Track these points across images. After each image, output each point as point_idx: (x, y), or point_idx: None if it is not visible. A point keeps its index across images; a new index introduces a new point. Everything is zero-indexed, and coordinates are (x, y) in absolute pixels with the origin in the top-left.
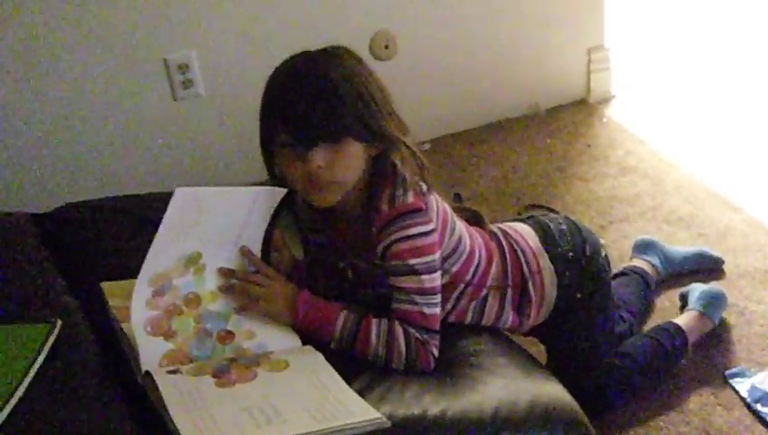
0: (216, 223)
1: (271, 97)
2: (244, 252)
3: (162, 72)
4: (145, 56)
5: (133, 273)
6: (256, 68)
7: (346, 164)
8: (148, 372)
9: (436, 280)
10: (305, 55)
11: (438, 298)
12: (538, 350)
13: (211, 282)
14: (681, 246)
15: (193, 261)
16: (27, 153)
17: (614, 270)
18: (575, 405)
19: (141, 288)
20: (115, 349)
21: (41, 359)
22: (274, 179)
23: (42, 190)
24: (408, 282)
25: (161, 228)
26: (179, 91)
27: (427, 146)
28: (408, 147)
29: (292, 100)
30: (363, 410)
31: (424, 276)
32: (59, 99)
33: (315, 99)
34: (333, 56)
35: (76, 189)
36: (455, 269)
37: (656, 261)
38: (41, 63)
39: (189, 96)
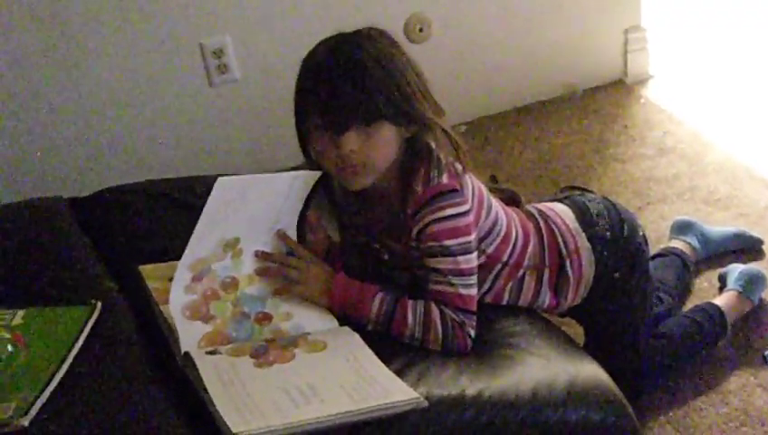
0: (254, 209)
1: (304, 80)
2: (281, 235)
3: (198, 57)
4: (180, 41)
5: (170, 255)
6: (291, 52)
7: (379, 147)
8: (187, 353)
9: (472, 261)
10: (339, 38)
11: (475, 279)
12: (575, 332)
13: (248, 266)
14: (720, 226)
15: (231, 245)
16: (66, 139)
17: (652, 251)
18: (613, 386)
19: (182, 274)
20: (154, 330)
21: (81, 340)
22: (310, 162)
23: (80, 175)
24: (443, 263)
25: (202, 217)
26: (215, 76)
27: (462, 128)
28: (442, 129)
29: (325, 84)
30: (401, 391)
31: (460, 257)
32: (96, 85)
33: (347, 82)
34: (367, 38)
35: (114, 174)
36: (491, 250)
37: (694, 242)
38: (78, 51)
39: (224, 81)
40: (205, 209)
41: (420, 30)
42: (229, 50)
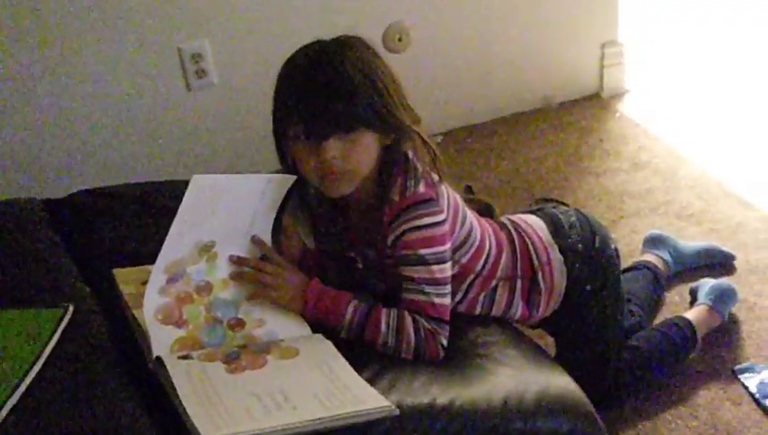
0: (229, 210)
1: (284, 88)
2: (256, 241)
3: (176, 61)
4: (158, 46)
5: (144, 260)
6: (270, 57)
7: (360, 154)
8: (159, 358)
9: (446, 270)
10: (318, 45)
11: (448, 289)
12: (546, 343)
13: (223, 270)
14: (692, 241)
15: (206, 249)
16: (41, 141)
17: (625, 264)
18: (583, 397)
19: (157, 276)
20: (126, 334)
21: (52, 343)
22: (287, 169)
23: (55, 178)
24: (418, 272)
25: (178, 216)
26: (193, 80)
27: (439, 139)
28: (420, 136)
29: (306, 92)
30: (372, 398)
31: (434, 266)
32: (74, 88)
33: (329, 90)
34: (346, 46)
35: (89, 178)
36: (465, 260)
37: (666, 256)
38: (57, 54)
39: (203, 86)
40: (180, 208)
41: (399, 39)
42: (207, 54)
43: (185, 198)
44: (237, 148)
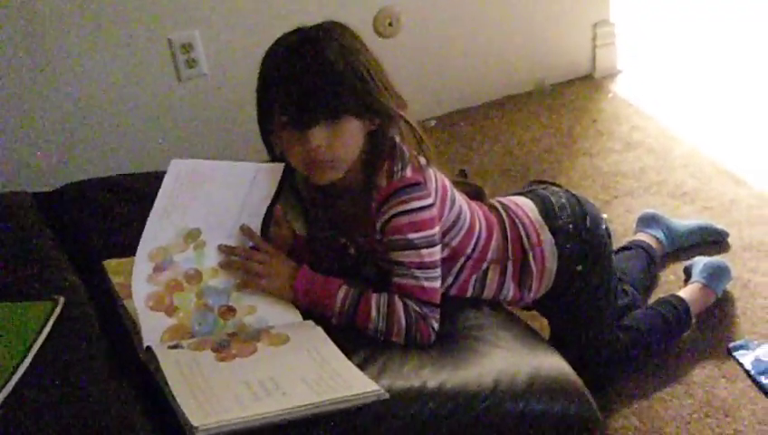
0: (215, 198)
1: (267, 78)
2: (245, 230)
3: (166, 52)
4: (148, 37)
5: (135, 251)
6: (260, 46)
7: (345, 141)
8: (149, 348)
9: (435, 254)
10: (300, 33)
11: (438, 272)
12: (540, 324)
13: (212, 258)
14: (686, 219)
15: (193, 237)
16: (32, 133)
17: (619, 244)
18: (576, 377)
19: (141, 263)
20: (117, 326)
21: (43, 336)
22: (274, 158)
23: (45, 170)
24: (407, 256)
25: (157, 201)
26: (184, 70)
27: (432, 123)
28: (406, 121)
29: (289, 80)
30: (362, 383)
31: (423, 250)
32: (64, 80)
33: (312, 78)
34: (329, 32)
35: (80, 169)
36: (455, 243)
37: (660, 235)
38: (45, 45)
39: (193, 76)
40: (160, 192)
41: (390, 24)
42: (198, 45)
43: (164, 183)
44: (229, 137)
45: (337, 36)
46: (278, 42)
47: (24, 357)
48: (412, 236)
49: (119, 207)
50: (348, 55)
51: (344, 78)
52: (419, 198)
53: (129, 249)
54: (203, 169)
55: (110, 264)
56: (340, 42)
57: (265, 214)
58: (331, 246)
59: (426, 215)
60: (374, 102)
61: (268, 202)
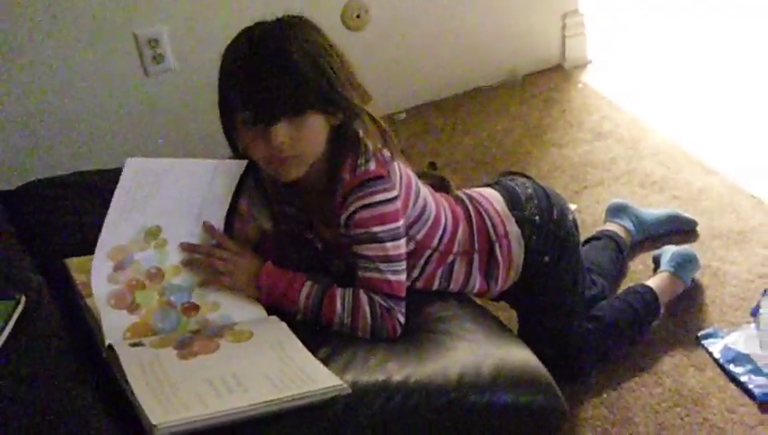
0: (174, 196)
1: (228, 73)
2: (207, 227)
3: (133, 47)
4: (114, 32)
5: None
6: (228, 40)
7: (309, 137)
8: (111, 346)
9: (400, 247)
10: (259, 28)
11: (403, 265)
12: (511, 315)
13: (173, 257)
14: (655, 208)
15: (153, 235)
16: None
17: (589, 234)
18: (542, 368)
19: (100, 262)
20: (80, 325)
21: (5, 335)
22: (238, 155)
23: (8, 168)
24: (372, 250)
25: (114, 200)
26: (150, 66)
27: (402, 115)
28: (369, 115)
29: (250, 77)
30: (324, 378)
31: (388, 244)
32: (30, 76)
33: (273, 74)
34: (290, 27)
35: (45, 166)
36: (420, 236)
37: (628, 224)
38: (8, 41)
39: (161, 71)
40: (116, 191)
41: (358, 16)
42: (164, 39)
43: (120, 183)
44: (198, 132)
45: (298, 31)
46: (238, 37)
47: None
48: (376, 229)
49: (82, 204)
50: (309, 50)
51: (306, 73)
52: (383, 191)
53: (92, 247)
54: (160, 167)
55: (73, 261)
56: (302, 36)
57: (228, 210)
58: (297, 241)
59: (390, 208)
60: (337, 97)
61: (230, 199)
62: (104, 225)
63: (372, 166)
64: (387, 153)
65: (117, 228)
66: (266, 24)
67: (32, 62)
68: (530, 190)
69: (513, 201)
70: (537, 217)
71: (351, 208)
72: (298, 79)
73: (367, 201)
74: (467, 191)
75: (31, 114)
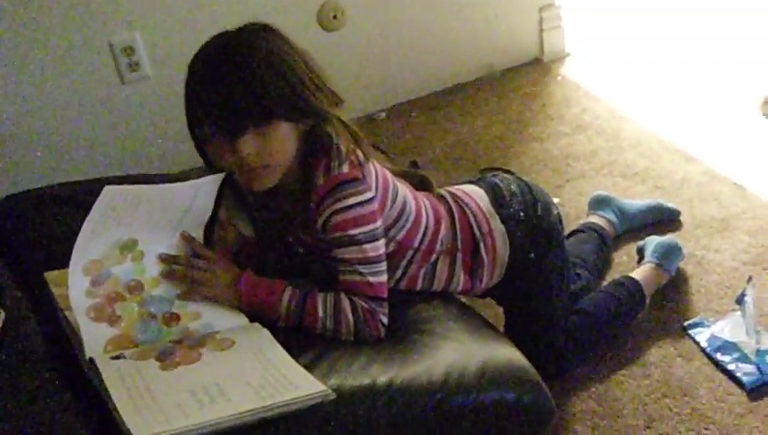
0: (153, 212)
1: (192, 86)
2: (185, 237)
3: (108, 55)
4: (89, 40)
5: None
6: None
7: (277, 147)
8: (91, 359)
9: (379, 248)
10: (223, 38)
11: (383, 266)
12: (497, 312)
13: (152, 269)
14: (638, 199)
15: (128, 247)
16: None
17: (573, 227)
18: (528, 366)
19: (76, 277)
20: (61, 339)
21: None
22: (210, 166)
23: None
24: (350, 253)
25: (87, 221)
26: (126, 73)
27: (382, 115)
28: (339, 119)
29: (214, 89)
30: (308, 384)
31: (366, 245)
32: (4, 86)
33: (236, 86)
34: (251, 35)
35: (21, 177)
36: (400, 236)
37: (611, 216)
38: None
39: (137, 79)
40: (90, 214)
41: (334, 17)
42: (139, 47)
43: (95, 204)
44: (174, 140)
45: (261, 39)
46: (202, 48)
47: None
48: (353, 232)
49: (61, 216)
50: (273, 58)
51: (270, 82)
52: (358, 193)
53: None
54: (137, 193)
55: (52, 275)
56: (264, 45)
57: (207, 222)
58: (278, 247)
59: (365, 209)
60: (303, 104)
61: (209, 213)
62: (76, 244)
63: (345, 169)
64: (360, 155)
65: (91, 243)
66: (230, 33)
67: (7, 71)
68: (513, 186)
69: (496, 198)
70: (521, 213)
71: (327, 212)
72: (261, 89)
73: (342, 204)
74: (450, 189)
75: (4, 126)
